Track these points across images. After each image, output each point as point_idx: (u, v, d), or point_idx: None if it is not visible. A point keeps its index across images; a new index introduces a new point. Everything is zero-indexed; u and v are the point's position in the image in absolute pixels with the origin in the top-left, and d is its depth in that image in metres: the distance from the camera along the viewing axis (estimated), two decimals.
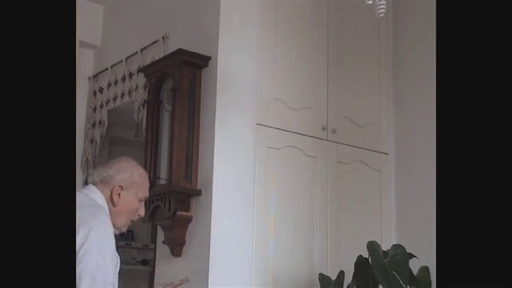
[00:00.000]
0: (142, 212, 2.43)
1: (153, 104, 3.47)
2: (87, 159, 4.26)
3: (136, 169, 2.43)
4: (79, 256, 2.06)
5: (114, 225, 2.33)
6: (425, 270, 3.35)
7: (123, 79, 4.07)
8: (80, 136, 4.27)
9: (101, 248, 2.12)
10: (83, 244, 2.07)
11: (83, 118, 4.34)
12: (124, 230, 2.42)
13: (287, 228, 3.40)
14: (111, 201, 2.34)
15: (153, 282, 3.52)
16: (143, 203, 2.43)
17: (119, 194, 2.34)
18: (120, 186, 2.34)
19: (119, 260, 2.24)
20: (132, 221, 2.42)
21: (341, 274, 3.10)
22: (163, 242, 3.31)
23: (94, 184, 2.37)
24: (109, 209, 2.33)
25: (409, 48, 3.98)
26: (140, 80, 3.84)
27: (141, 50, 3.91)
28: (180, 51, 3.32)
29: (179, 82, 3.29)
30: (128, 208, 2.37)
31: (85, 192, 2.35)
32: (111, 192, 2.34)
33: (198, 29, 3.49)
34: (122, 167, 2.39)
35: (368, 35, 3.98)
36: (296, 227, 3.44)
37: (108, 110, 4.20)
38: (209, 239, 3.11)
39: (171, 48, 3.51)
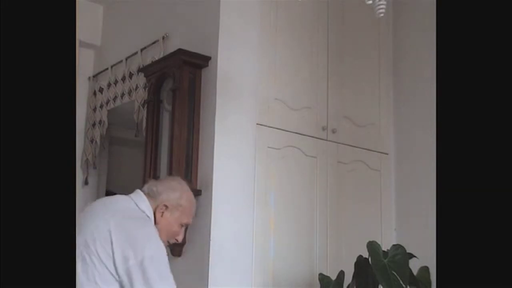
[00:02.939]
0: (180, 238, 2.40)
1: (153, 104, 3.46)
2: (87, 159, 4.26)
3: (186, 193, 2.39)
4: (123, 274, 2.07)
5: None
6: (425, 270, 3.36)
7: (123, 79, 4.07)
8: (80, 136, 4.27)
9: (161, 271, 2.12)
10: (135, 264, 2.07)
11: (83, 118, 4.34)
12: None
13: (287, 228, 3.40)
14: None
15: None
16: (183, 229, 2.40)
17: (162, 213, 2.30)
18: (165, 205, 2.31)
19: None
20: (168, 242, 2.36)
21: (341, 274, 3.10)
22: None
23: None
24: None
25: (409, 48, 3.98)
26: (140, 80, 3.84)
27: (141, 50, 3.90)
28: (180, 51, 3.32)
29: (179, 82, 3.29)
30: (167, 229, 2.33)
31: (134, 198, 2.30)
32: (155, 209, 2.29)
33: (198, 29, 3.49)
34: (172, 186, 2.36)
35: (368, 35, 3.98)
36: (296, 227, 3.44)
37: (108, 110, 4.20)
38: (209, 239, 3.11)
39: (171, 48, 3.51)
